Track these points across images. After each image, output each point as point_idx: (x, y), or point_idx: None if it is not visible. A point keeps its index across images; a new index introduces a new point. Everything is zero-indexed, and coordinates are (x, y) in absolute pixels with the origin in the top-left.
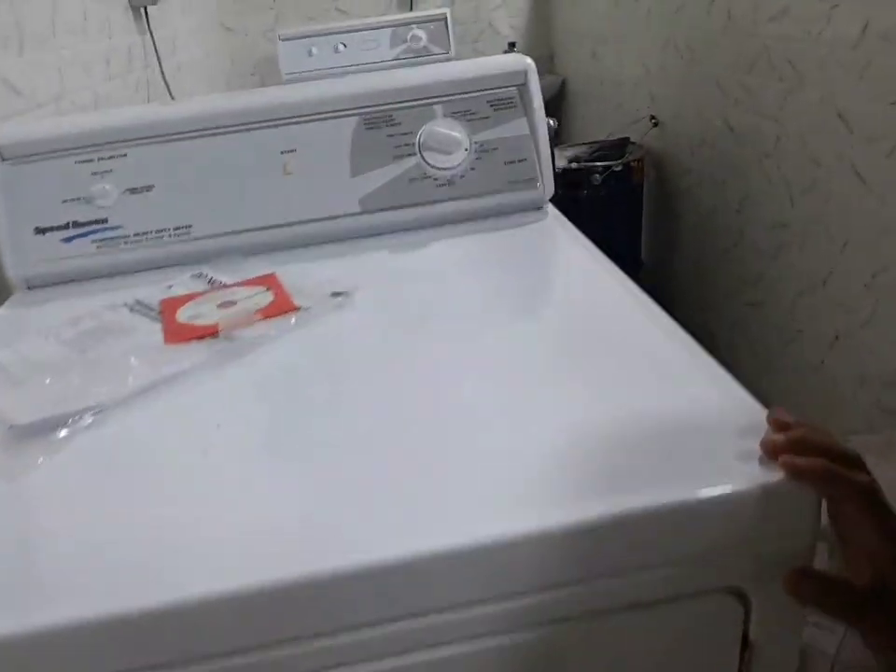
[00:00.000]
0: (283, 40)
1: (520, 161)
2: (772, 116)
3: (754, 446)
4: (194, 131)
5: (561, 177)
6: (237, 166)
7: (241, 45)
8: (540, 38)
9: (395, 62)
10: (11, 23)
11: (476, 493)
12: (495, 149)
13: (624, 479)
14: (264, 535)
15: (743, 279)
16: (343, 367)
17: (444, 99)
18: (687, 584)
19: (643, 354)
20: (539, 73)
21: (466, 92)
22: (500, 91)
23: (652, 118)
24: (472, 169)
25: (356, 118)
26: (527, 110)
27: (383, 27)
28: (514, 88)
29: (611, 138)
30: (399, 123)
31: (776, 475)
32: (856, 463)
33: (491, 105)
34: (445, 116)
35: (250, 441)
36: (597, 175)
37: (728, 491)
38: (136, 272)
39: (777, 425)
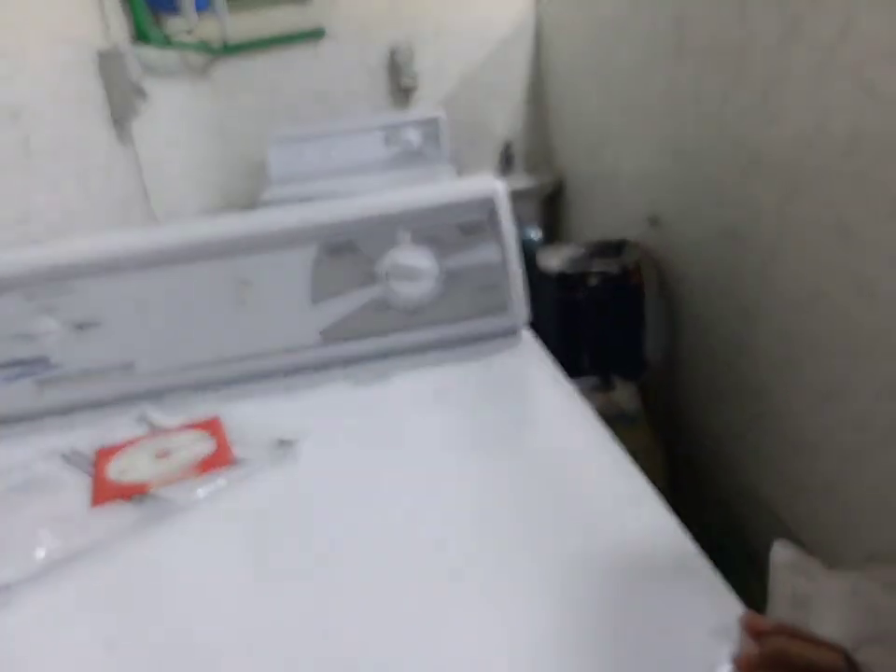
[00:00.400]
0: (274, 142)
1: (491, 286)
2: (770, 222)
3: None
4: (144, 263)
5: (555, 280)
6: (189, 299)
7: (236, 149)
8: (537, 136)
9: (388, 162)
10: None
11: None
12: (464, 276)
13: None
14: None
15: (751, 389)
16: (269, 538)
17: (410, 225)
18: None
19: (612, 525)
20: (537, 170)
21: (433, 218)
22: (469, 216)
23: (650, 218)
24: (441, 296)
25: (315, 245)
26: (498, 235)
27: (375, 129)
28: (485, 214)
29: (609, 239)
30: (362, 251)
31: None
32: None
33: (460, 231)
34: (413, 241)
35: (166, 629)
36: (593, 279)
37: None
38: (80, 409)
39: (751, 631)
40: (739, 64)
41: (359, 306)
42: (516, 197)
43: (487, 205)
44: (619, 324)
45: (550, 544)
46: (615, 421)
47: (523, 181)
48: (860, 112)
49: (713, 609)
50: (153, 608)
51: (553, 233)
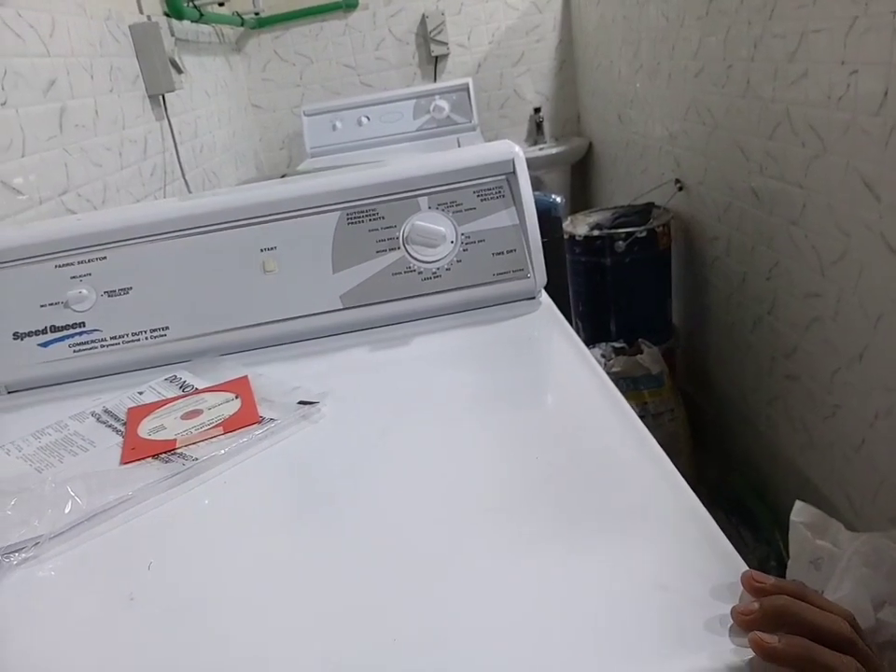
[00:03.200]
0: (307, 115)
1: (509, 251)
2: (797, 182)
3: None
4: (173, 231)
5: (583, 245)
6: (216, 265)
7: (269, 121)
8: (567, 102)
9: (418, 132)
10: (17, 128)
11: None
12: (482, 241)
13: (576, 653)
14: None
15: (778, 350)
16: (292, 494)
17: (429, 191)
18: None
19: (618, 484)
20: (566, 136)
21: (451, 184)
22: (487, 180)
23: (677, 181)
24: (459, 261)
25: (338, 213)
26: (515, 199)
27: (406, 99)
28: (502, 177)
29: (636, 203)
30: (383, 217)
31: (745, 653)
32: (843, 637)
33: (478, 196)
34: (430, 208)
35: (184, 583)
36: (620, 242)
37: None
38: (114, 374)
39: (752, 589)
40: (766, 24)
41: (379, 271)
42: (546, 163)
43: (506, 167)
44: (646, 288)
45: (557, 496)
46: (641, 383)
47: (552, 148)
48: (889, 70)
49: (715, 567)
50: (175, 563)
51: (583, 199)
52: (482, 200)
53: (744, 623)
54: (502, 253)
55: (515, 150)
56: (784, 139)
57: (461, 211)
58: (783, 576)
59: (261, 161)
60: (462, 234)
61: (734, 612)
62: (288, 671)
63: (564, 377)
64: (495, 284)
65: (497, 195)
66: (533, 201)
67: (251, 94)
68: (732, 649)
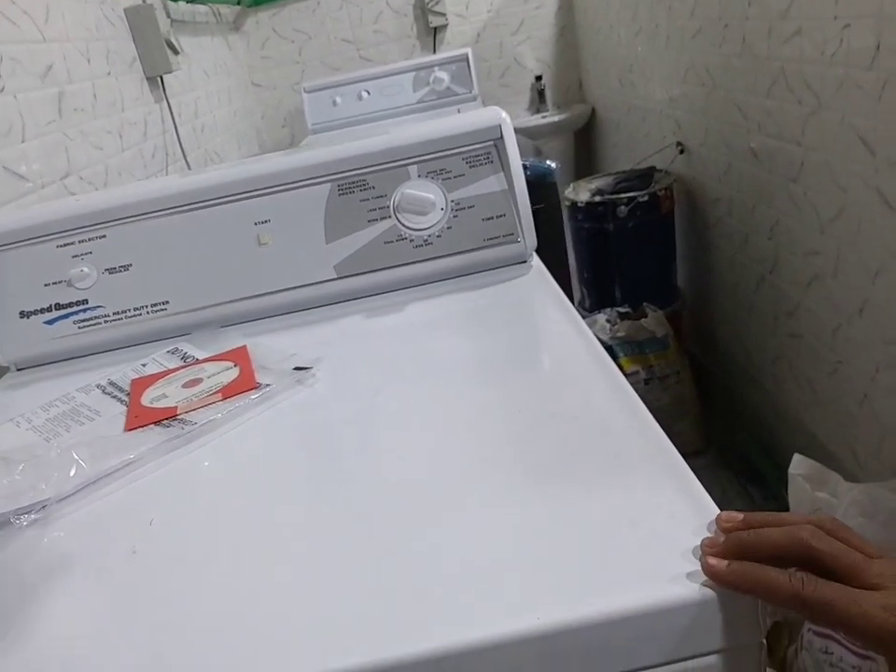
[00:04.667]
0: (307, 92)
1: (498, 216)
2: (794, 140)
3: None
4: (170, 208)
5: (586, 211)
6: (212, 240)
7: (270, 99)
8: (568, 68)
9: (419, 105)
10: (15, 113)
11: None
12: (472, 207)
13: (551, 588)
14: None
15: (781, 309)
16: (286, 455)
17: (418, 159)
18: None
19: (600, 437)
20: (568, 103)
21: (440, 152)
22: (475, 147)
23: (679, 144)
24: (449, 228)
25: (329, 185)
26: (504, 165)
27: (405, 72)
28: (490, 143)
29: (638, 167)
30: (373, 187)
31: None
32: (799, 547)
33: (466, 162)
34: (420, 176)
35: (185, 537)
36: (623, 207)
37: (655, 600)
38: (118, 348)
39: (722, 529)
40: None
41: (371, 241)
42: (549, 131)
43: (493, 133)
44: (650, 252)
45: (540, 446)
46: (646, 346)
47: (555, 115)
48: (880, 23)
49: (688, 509)
50: (175, 519)
51: (587, 166)
52: (470, 166)
53: (708, 554)
54: (492, 218)
55: (502, 116)
56: (780, 97)
57: (450, 178)
58: None
59: (264, 139)
60: (452, 201)
61: (701, 545)
62: (288, 619)
63: (551, 338)
64: (485, 249)
65: (486, 161)
66: (521, 165)
67: (251, 73)
68: (701, 580)
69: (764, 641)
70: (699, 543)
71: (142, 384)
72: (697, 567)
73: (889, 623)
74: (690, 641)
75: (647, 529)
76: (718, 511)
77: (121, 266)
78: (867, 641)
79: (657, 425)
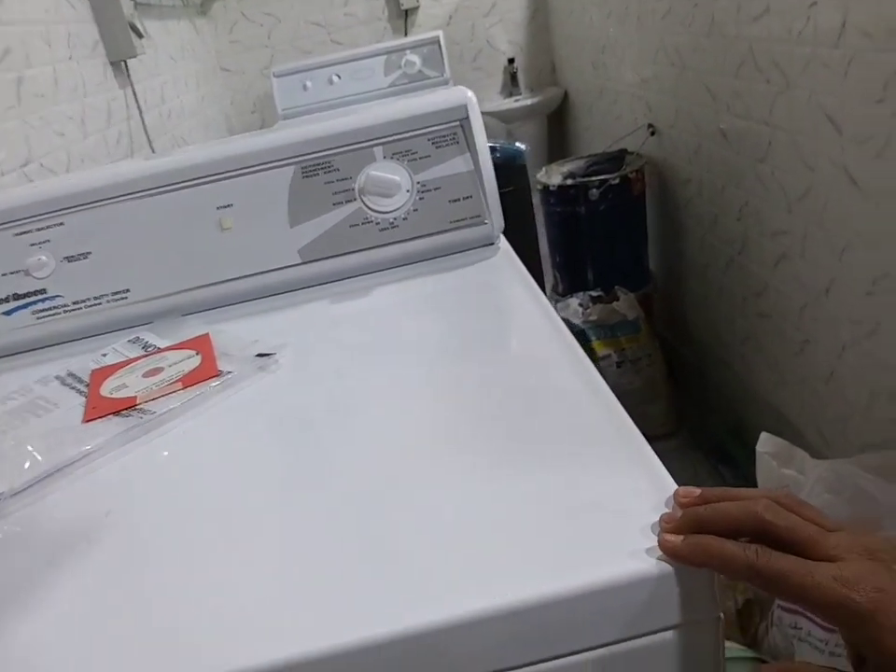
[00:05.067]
0: (277, 76)
1: (465, 198)
2: (762, 120)
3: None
4: (128, 193)
5: (558, 195)
6: (173, 226)
7: (239, 84)
8: (540, 51)
9: (390, 89)
10: None
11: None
12: (438, 188)
13: (509, 568)
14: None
15: (750, 290)
16: (244, 440)
17: (383, 140)
18: None
19: (564, 419)
20: (541, 86)
21: (405, 132)
22: (441, 127)
23: (650, 126)
24: (416, 210)
25: (292, 167)
26: (470, 145)
27: (376, 55)
28: (456, 123)
29: (610, 150)
30: (338, 169)
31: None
32: (753, 520)
33: (432, 143)
34: (385, 158)
35: (142, 528)
36: (594, 190)
37: (611, 576)
38: (78, 339)
39: (680, 504)
40: None
41: (337, 224)
42: (522, 115)
43: (459, 113)
44: (622, 235)
45: (504, 425)
46: (617, 330)
47: (528, 99)
48: (847, 1)
49: (648, 487)
50: (132, 509)
51: (561, 149)
52: (436, 147)
53: (665, 530)
54: (458, 200)
55: (468, 96)
56: (749, 77)
57: (416, 159)
58: None
59: (234, 125)
60: (418, 183)
61: (659, 521)
62: (248, 609)
63: (516, 320)
64: (452, 231)
65: (452, 141)
66: (487, 146)
67: (219, 57)
68: (659, 556)
69: (721, 615)
70: (657, 519)
71: (102, 374)
72: (655, 543)
73: (842, 595)
74: (647, 617)
75: (606, 506)
76: (673, 483)
77: (80, 254)
78: (820, 612)
79: (619, 404)
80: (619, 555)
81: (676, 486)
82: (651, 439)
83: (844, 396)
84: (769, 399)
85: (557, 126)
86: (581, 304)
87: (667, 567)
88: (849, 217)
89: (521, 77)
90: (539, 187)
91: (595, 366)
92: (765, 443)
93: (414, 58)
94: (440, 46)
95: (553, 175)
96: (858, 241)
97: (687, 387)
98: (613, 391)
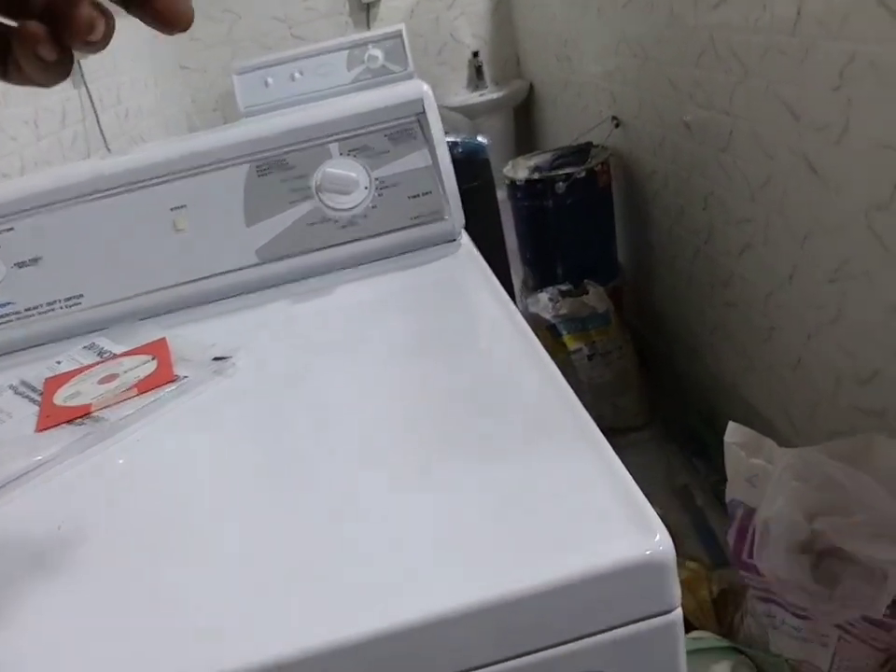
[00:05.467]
0: (238, 74)
1: (424, 194)
2: (723, 109)
3: (615, 518)
4: (79, 196)
5: (525, 189)
6: (125, 229)
7: (200, 82)
8: (504, 44)
9: (353, 84)
10: None
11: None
12: (396, 185)
13: (469, 564)
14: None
15: (717, 279)
16: (200, 445)
17: (339, 136)
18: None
19: (520, 407)
20: (506, 79)
21: (361, 128)
22: (398, 122)
23: (614, 118)
24: (374, 207)
25: (246, 165)
26: (428, 140)
27: (338, 50)
28: (413, 117)
29: (575, 143)
30: (294, 167)
31: (639, 549)
32: None
33: (389, 139)
34: (342, 154)
35: (94, 540)
36: (561, 184)
37: (575, 569)
38: (32, 346)
39: None
40: None
41: (294, 223)
42: (487, 109)
43: (416, 107)
44: (590, 228)
45: (465, 420)
46: (588, 323)
47: (493, 92)
48: None
49: (603, 478)
50: (84, 521)
51: (527, 143)
52: (393, 143)
53: None
54: (418, 196)
55: (424, 89)
56: (709, 67)
57: (373, 155)
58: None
59: (195, 123)
60: (376, 179)
61: None
62: (205, 616)
63: (476, 316)
64: (412, 228)
65: (409, 136)
66: (445, 140)
67: (179, 55)
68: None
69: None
70: None
71: (56, 382)
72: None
73: None
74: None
75: (567, 499)
76: (628, 476)
77: (31, 259)
78: None
79: (575, 396)
80: (572, 547)
81: (628, 475)
82: (623, 430)
83: (810, 382)
84: (739, 388)
85: (523, 119)
86: (551, 299)
87: (632, 558)
88: (809, 205)
89: (486, 71)
90: (507, 182)
91: (567, 360)
92: (733, 433)
93: (377, 52)
94: (402, 39)
95: (519, 170)
96: (818, 228)
97: (659, 378)
98: (585, 384)
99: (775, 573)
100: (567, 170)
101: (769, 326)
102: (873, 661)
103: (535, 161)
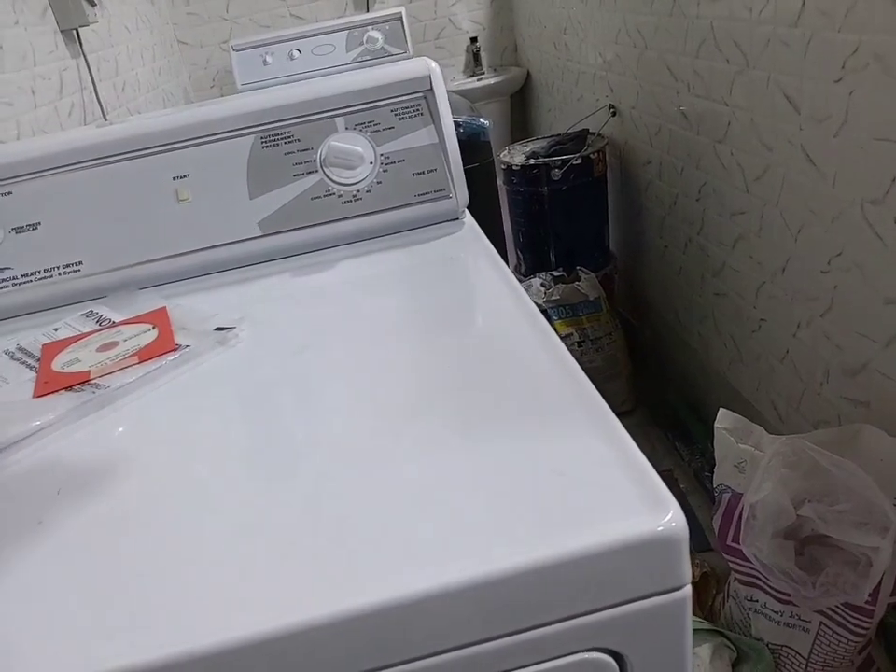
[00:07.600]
0: (236, 50)
1: (429, 171)
2: (722, 100)
3: (629, 496)
4: (80, 162)
5: (521, 174)
6: (127, 196)
7: (198, 58)
8: (503, 31)
9: (352, 65)
10: None
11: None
12: (402, 161)
13: (486, 537)
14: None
15: (708, 269)
16: (203, 416)
17: (346, 111)
18: (556, 646)
19: (526, 385)
20: (504, 66)
21: (368, 103)
22: (404, 98)
23: (611, 107)
24: (379, 183)
25: (252, 136)
26: (434, 117)
27: (338, 30)
28: (419, 94)
29: (572, 130)
30: (299, 140)
31: (640, 528)
32: None
33: (395, 115)
34: (347, 128)
35: (95, 506)
36: (556, 171)
37: (590, 543)
38: (29, 313)
39: None
40: None
41: (298, 196)
42: (485, 95)
43: (423, 84)
44: (583, 215)
45: (469, 396)
46: (579, 309)
47: (491, 78)
48: None
49: (611, 455)
50: (84, 487)
51: (523, 130)
52: (399, 118)
53: None
54: (423, 173)
55: (432, 66)
56: (709, 56)
57: (379, 130)
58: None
59: (192, 99)
60: (381, 154)
61: None
62: (207, 588)
63: (482, 295)
64: (416, 205)
65: (415, 113)
66: (452, 119)
67: (176, 30)
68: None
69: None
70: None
71: (53, 348)
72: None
73: None
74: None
75: (571, 477)
76: (641, 454)
77: (30, 224)
78: None
79: (585, 376)
80: (576, 524)
81: (640, 454)
82: None
83: (798, 373)
84: (725, 376)
85: (520, 106)
86: (543, 284)
87: (635, 536)
88: (806, 197)
89: (484, 57)
90: (503, 167)
91: None
92: (723, 419)
93: (376, 34)
94: (402, 22)
95: (515, 155)
96: (814, 220)
97: (647, 365)
98: None
99: (759, 558)
100: (564, 157)
101: (760, 317)
102: (852, 647)
103: (531, 146)
